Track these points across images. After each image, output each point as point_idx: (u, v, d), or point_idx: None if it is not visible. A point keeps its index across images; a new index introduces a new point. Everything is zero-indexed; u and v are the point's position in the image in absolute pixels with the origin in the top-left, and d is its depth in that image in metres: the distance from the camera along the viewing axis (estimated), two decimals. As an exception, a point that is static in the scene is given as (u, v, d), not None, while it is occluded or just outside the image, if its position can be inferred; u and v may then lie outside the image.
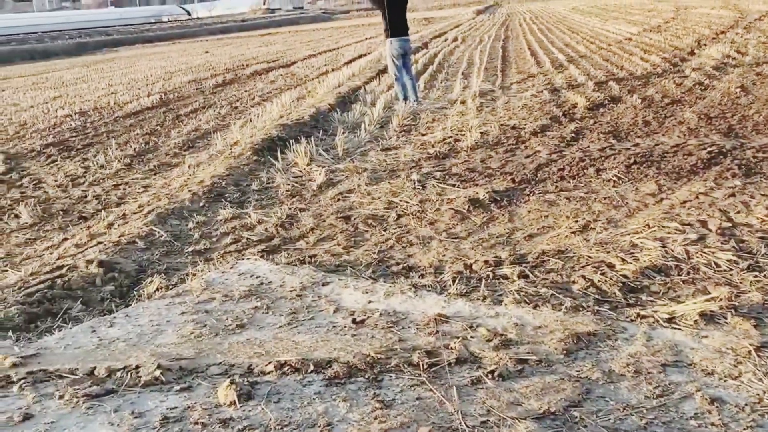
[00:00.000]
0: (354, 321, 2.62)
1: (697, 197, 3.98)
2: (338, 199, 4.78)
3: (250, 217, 4.47)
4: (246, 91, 12.27)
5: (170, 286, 3.32)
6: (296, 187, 5.21)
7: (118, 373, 2.22)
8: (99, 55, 35.99)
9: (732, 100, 6.79)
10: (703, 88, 7.66)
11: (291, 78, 14.04)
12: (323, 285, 3.08)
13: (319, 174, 5.42)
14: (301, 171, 5.66)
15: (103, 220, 4.69)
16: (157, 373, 2.15)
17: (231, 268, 3.42)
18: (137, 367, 2.22)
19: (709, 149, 4.96)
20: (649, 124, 6.13)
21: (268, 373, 2.17)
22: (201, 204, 4.82)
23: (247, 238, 4.09)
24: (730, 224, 3.49)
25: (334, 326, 2.61)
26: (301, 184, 5.29)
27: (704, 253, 3.12)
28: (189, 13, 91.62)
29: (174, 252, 3.98)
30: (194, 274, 3.46)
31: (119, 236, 4.13)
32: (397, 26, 8.23)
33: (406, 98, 8.55)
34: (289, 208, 4.65)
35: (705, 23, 16.60)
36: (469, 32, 24.10)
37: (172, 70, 19.15)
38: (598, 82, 8.83)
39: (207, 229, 4.33)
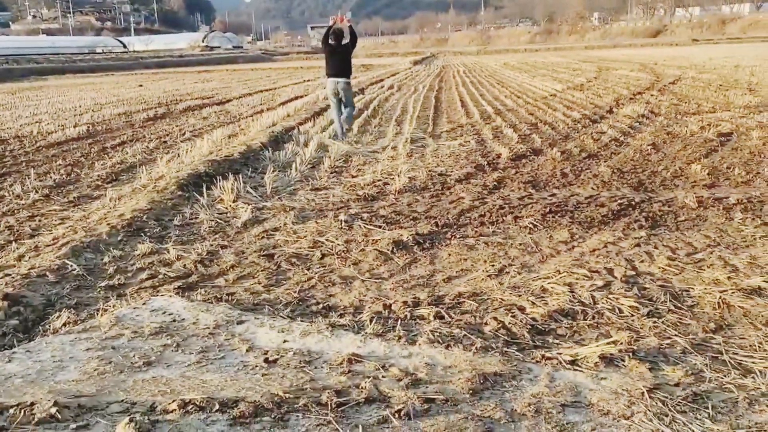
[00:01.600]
0: (266, 360, 2.60)
1: (605, 246, 4.19)
2: (263, 237, 4.76)
3: (168, 252, 4.37)
4: (177, 127, 12.12)
5: (78, 321, 3.20)
6: (220, 224, 5.15)
7: (11, 410, 2.11)
8: (26, 83, 34.79)
9: (644, 156, 7.24)
10: (618, 144, 8.14)
11: (225, 115, 13.98)
12: (238, 323, 3.04)
13: (245, 211, 5.39)
14: (226, 208, 5.61)
15: (14, 251, 4.48)
16: (53, 410, 2.06)
17: (144, 304, 3.33)
18: (32, 404, 2.12)
19: (619, 201, 5.26)
20: (566, 176, 6.45)
21: (171, 411, 2.12)
22: (119, 238, 4.69)
23: (164, 274, 4.00)
24: (634, 272, 3.69)
25: (245, 365, 2.58)
26: (226, 221, 5.24)
27: (609, 299, 3.28)
28: (125, 46, 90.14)
29: (86, 286, 3.84)
30: (105, 310, 3.34)
31: (29, 269, 3.95)
32: (333, 69, 9.33)
33: (336, 136, 9.53)
34: (211, 245, 4.59)
35: (624, 84, 17.72)
36: (405, 81, 24.76)
37: (103, 101, 18.72)
38: (522, 135, 9.23)
39: (123, 263, 4.21)
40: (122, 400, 2.21)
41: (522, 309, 3.24)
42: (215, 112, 14.91)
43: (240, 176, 6.58)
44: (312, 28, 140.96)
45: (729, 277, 3.49)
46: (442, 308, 3.28)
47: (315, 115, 12.58)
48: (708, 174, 6.12)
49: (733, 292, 3.29)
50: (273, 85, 24.84)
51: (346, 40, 9.45)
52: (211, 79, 32.74)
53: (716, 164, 6.58)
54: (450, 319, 3.15)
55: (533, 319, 3.10)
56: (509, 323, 3.05)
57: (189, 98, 19.28)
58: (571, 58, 42.02)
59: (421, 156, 8.01)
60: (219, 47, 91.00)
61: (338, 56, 9.32)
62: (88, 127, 11.96)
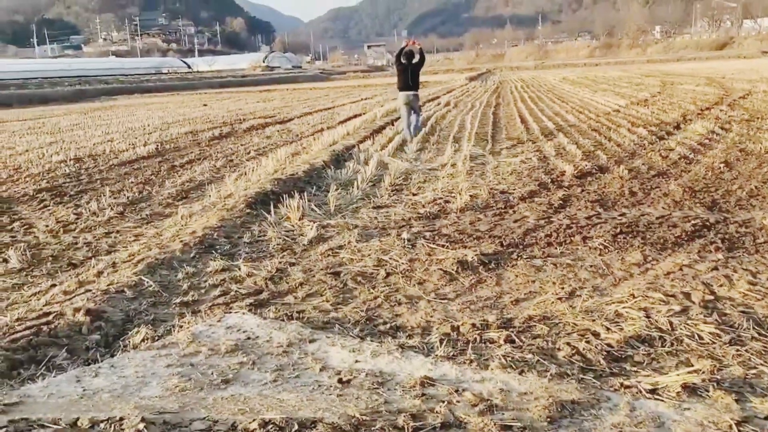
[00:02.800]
0: (340, 380, 2.62)
1: (681, 269, 4.05)
2: (328, 255, 4.82)
3: (239, 269, 4.48)
4: (242, 145, 12.45)
5: (156, 338, 3.31)
6: (287, 241, 5.25)
7: (102, 425, 2.20)
8: (97, 102, 36.52)
9: (716, 174, 6.98)
10: (688, 161, 7.88)
11: (287, 134, 14.28)
12: (310, 342, 3.09)
13: (311, 229, 5.47)
14: (292, 225, 5.72)
15: (93, 267, 4.69)
16: (141, 426, 2.14)
17: (218, 321, 3.42)
18: (121, 419, 2.21)
19: (693, 222, 5.08)
20: (635, 195, 6.28)
21: (252, 430, 2.16)
22: (192, 255, 4.84)
23: (236, 291, 4.10)
24: (712, 297, 3.55)
25: (319, 385, 2.61)
26: (293, 239, 5.33)
27: (687, 325, 3.17)
28: (189, 66, 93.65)
29: (162, 303, 3.97)
30: (181, 326, 3.45)
31: (108, 284, 4.12)
32: (405, 83, 11.12)
33: (405, 137, 11.29)
34: (279, 262, 4.68)
35: (691, 99, 17.17)
36: (462, 98, 24.75)
37: (170, 120, 19.44)
38: (586, 152, 9.06)
39: (196, 280, 4.34)
40: (204, 418, 2.27)
41: (596, 334, 3.16)
42: (278, 131, 15.25)
43: (304, 194, 6.70)
44: (368, 47, 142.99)
45: (818, 305, 3.31)
46: (512, 331, 3.24)
47: (374, 133, 12.71)
48: (787, 194, 5.85)
49: (823, 320, 3.12)
50: (332, 104, 25.25)
51: (416, 60, 11.16)
52: (272, 99, 33.58)
53: (797, 183, 6.28)
54: (521, 344, 3.11)
55: (608, 345, 3.02)
56: (583, 349, 2.98)
57: (252, 117, 19.80)
58: (632, 72, 41.11)
59: (481, 173, 7.96)
60: (279, 67, 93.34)
61: (409, 73, 11.03)
62: (157, 145, 12.43)
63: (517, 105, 19.62)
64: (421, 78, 12.37)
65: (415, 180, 7.81)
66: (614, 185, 6.74)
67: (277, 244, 5.15)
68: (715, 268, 4.01)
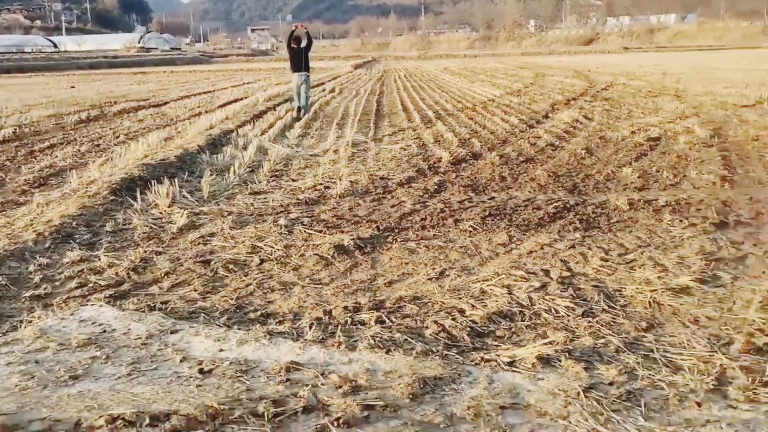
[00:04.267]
0: (201, 371, 2.51)
1: (542, 248, 4.28)
2: (199, 243, 4.63)
3: (99, 260, 4.20)
4: (111, 129, 11.70)
5: (-1, 335, 3.02)
6: (154, 230, 4.99)
7: None
8: (-55, 81, 32.89)
9: (578, 160, 7.44)
10: (553, 148, 8.35)
11: (161, 118, 13.59)
12: (172, 333, 2.94)
13: (181, 216, 5.23)
14: (161, 213, 5.44)
15: (-73, 261, 4.20)
16: (-34, 432, 1.93)
17: (71, 314, 3.17)
18: (-57, 426, 1.98)
19: (555, 204, 5.38)
20: (504, 180, 6.56)
21: (99, 428, 2.02)
22: (46, 245, 4.47)
23: (95, 283, 3.83)
24: (569, 273, 3.78)
25: (178, 376, 2.49)
26: (161, 227, 5.07)
27: (545, 300, 3.34)
28: (56, 46, 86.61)
29: (9, 297, 3.63)
30: (29, 321, 3.17)
31: (-57, 280, 3.71)
32: (297, 65, 12.31)
33: (299, 110, 12.57)
34: (144, 251, 4.43)
35: (559, 90, 18.21)
36: (347, 84, 24.76)
37: (32, 102, 17.89)
38: (462, 139, 9.34)
39: (50, 272, 4.01)
40: (45, 418, 2.09)
41: (462, 311, 3.26)
42: (151, 114, 14.48)
43: (176, 180, 6.39)
44: (252, 30, 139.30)
45: (659, 277, 3.62)
46: (383, 312, 3.27)
47: (255, 117, 12.40)
48: (638, 177, 6.35)
49: (663, 292, 3.41)
50: (212, 88, 24.35)
51: (303, 44, 12.34)
52: (148, 81, 31.83)
53: (646, 168, 6.83)
54: (391, 324, 3.14)
55: (473, 321, 3.12)
56: (449, 326, 3.06)
57: (124, 100, 18.66)
58: (508, 64, 42.98)
59: (362, 160, 7.99)
60: (156, 48, 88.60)
61: (300, 56, 12.24)
62: (15, 129, 11.38)
63: (400, 93, 19.90)
64: (310, 51, 12.88)
65: (296, 166, 7.70)
66: (486, 171, 7.01)
67: (143, 233, 4.88)
68: (573, 246, 4.27)
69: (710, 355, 2.70)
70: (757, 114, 10.83)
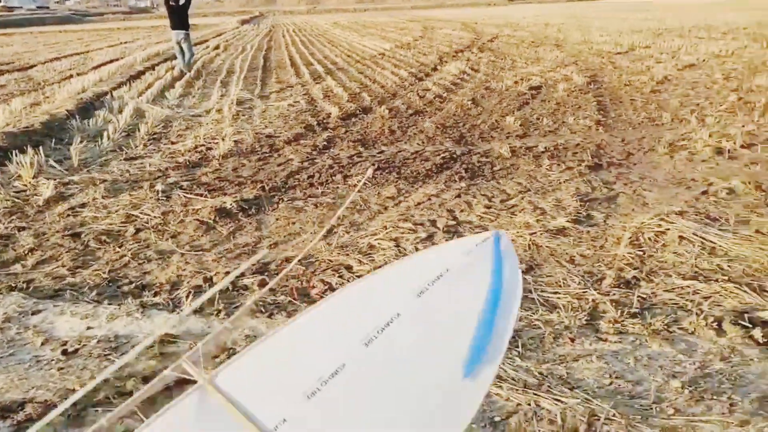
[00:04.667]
0: (64, 352, 2.32)
1: (429, 198, 4.30)
2: (68, 215, 4.27)
3: (-49, 241, 3.78)
4: (-34, 96, 10.54)
5: None
6: (17, 204, 4.56)
7: None
8: None
9: (465, 111, 7.54)
10: (441, 100, 8.41)
11: (27, 83, 12.42)
12: (33, 314, 2.69)
13: (47, 188, 4.81)
14: (25, 185, 4.98)
15: None
16: None
17: None
18: None
19: (442, 155, 5.42)
20: (393, 133, 6.53)
21: (-63, 427, 1.80)
22: None
23: (-56, 267, 3.44)
24: (455, 222, 3.82)
25: (38, 361, 2.28)
26: (24, 200, 4.64)
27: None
28: None
29: None
30: None
31: None
32: (175, 23, 11.87)
33: (180, 71, 12.21)
34: (6, 227, 4.04)
35: (447, 43, 18.38)
36: (232, 41, 23.73)
37: None
38: (352, 94, 9.21)
39: None
40: None
41: (349, 268, 3.21)
42: (15, 79, 13.20)
43: (41, 149, 5.85)
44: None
45: (538, 220, 3.73)
46: (267, 275, 3.16)
47: (131, 78, 11.61)
48: (521, 125, 6.52)
49: (541, 234, 3.52)
50: (86, 49, 22.57)
51: (182, 1, 11.74)
52: (12, 44, 28.98)
53: (527, 116, 7.03)
54: (275, 287, 3.04)
55: (359, 277, 3.08)
56: (336, 284, 3.01)
57: (-18, 64, 16.89)
58: (398, 18, 42.84)
59: (248, 118, 7.69)
60: (20, 7, 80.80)
61: (177, 13, 11.76)
62: None
63: (289, 49, 19.33)
64: (191, 21, 12.57)
65: (176, 128, 7.29)
66: (376, 125, 6.94)
67: (4, 208, 4.45)
68: (458, 196, 4.32)
69: (583, 292, 2.82)
70: (629, 60, 11.42)
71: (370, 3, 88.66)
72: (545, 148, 5.51)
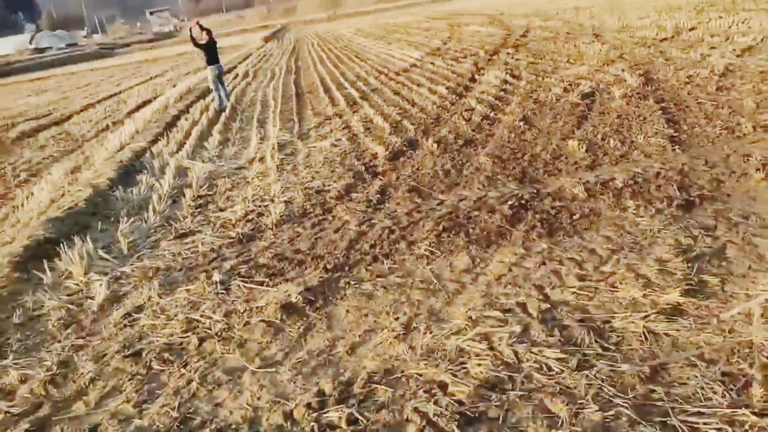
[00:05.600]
0: None
1: (510, 270, 3.89)
2: (125, 325, 4.02)
3: (8, 374, 3.55)
4: (10, 164, 10.59)
5: None
6: (72, 311, 4.33)
7: None
8: None
9: (518, 135, 7.07)
10: (490, 122, 7.95)
11: (65, 140, 12.47)
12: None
13: (101, 285, 4.59)
14: (77, 284, 4.76)
15: None
16: None
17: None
18: None
19: (509, 202, 4.98)
20: (448, 174, 6.12)
21: None
22: (-61, 364, 3.77)
23: (5, 413, 3.20)
24: (548, 305, 3.40)
25: None
26: (79, 305, 4.42)
27: (533, 352, 2.95)
28: (-66, 59, 79.65)
29: None
30: None
31: None
32: (212, 58, 12.40)
33: (222, 107, 12.61)
34: (63, 348, 3.80)
35: (479, 43, 17.83)
36: (260, 65, 23.66)
37: None
38: (393, 123, 8.83)
39: (-53, 406, 3.35)
40: None
41: (443, 386, 2.84)
42: (54, 136, 13.28)
43: (88, 236, 5.66)
44: (151, 13, 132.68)
45: (645, 295, 3.29)
46: (353, 404, 2.81)
47: (168, 126, 11.48)
48: (586, 151, 6.03)
49: (655, 316, 3.07)
50: (117, 89, 22.79)
51: (205, 39, 12.25)
52: (47, 89, 29.64)
53: (590, 136, 6.52)
54: (365, 420, 2.69)
55: (459, 402, 2.70)
56: (434, 414, 2.64)
57: (22, 119, 17.17)
58: (420, 15, 42.30)
59: (293, 168, 7.38)
60: (50, 48, 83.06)
61: (212, 49, 12.34)
62: None
63: (317, 68, 19.09)
64: (218, 43, 12.91)
65: (222, 187, 7.03)
66: (427, 164, 6.55)
67: (59, 319, 4.22)
68: (543, 263, 3.89)
69: (732, 413, 2.37)
70: (680, 49, 10.72)
71: (390, 1, 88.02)
72: (623, 182, 5.01)
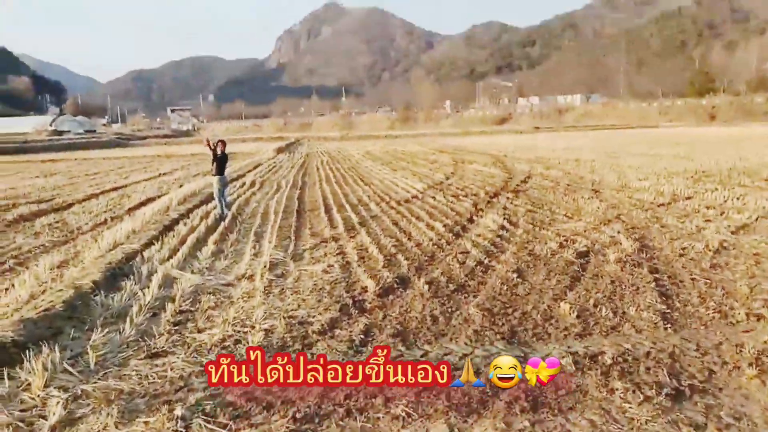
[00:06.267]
0: None
1: (489, 448, 3.67)
2: (72, 458, 3.73)
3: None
4: (0, 249, 10.46)
5: None
6: (20, 430, 4.04)
7: None
8: None
9: (510, 288, 7.02)
10: (483, 269, 7.93)
11: (61, 229, 12.44)
12: None
13: (57, 404, 4.33)
14: (34, 398, 4.50)
15: None
16: None
17: None
18: None
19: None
20: (436, 321, 6.00)
21: None
22: None
23: None
24: (524, 497, 3.16)
25: None
26: (30, 424, 4.14)
27: None
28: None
29: None
30: None
31: None
32: (218, 170, 13.00)
33: (222, 216, 12.85)
34: (-1, 478, 3.50)
35: (480, 182, 18.34)
36: (268, 175, 24.18)
37: None
38: (387, 255, 8.83)
39: None
40: None
41: None
42: (50, 224, 13.26)
43: (59, 341, 5.45)
44: (172, 110, 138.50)
45: (628, 500, 3.06)
46: None
47: (165, 229, 11.49)
48: (577, 317, 5.94)
49: None
50: (124, 181, 23.19)
51: (219, 153, 12.95)
52: (56, 171, 30.20)
53: (582, 301, 6.46)
54: None
55: None
56: None
57: (23, 201, 17.29)
58: (428, 146, 43.97)
59: (280, 292, 7.27)
60: (69, 132, 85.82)
61: (221, 161, 13.01)
62: None
63: (323, 186, 19.51)
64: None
65: (205, 304, 6.88)
66: (416, 307, 6.44)
67: (4, 438, 3.94)
68: (524, 444, 3.68)
69: None
70: (676, 217, 10.96)
71: (401, 129, 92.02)
72: (612, 357, 4.88)
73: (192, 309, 6.73)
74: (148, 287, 7.30)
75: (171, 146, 63.66)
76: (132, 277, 7.89)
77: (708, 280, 6.99)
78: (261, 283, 7.62)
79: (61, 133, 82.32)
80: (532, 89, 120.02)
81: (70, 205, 16.54)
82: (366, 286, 7.26)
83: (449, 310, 6.36)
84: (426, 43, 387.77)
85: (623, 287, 6.88)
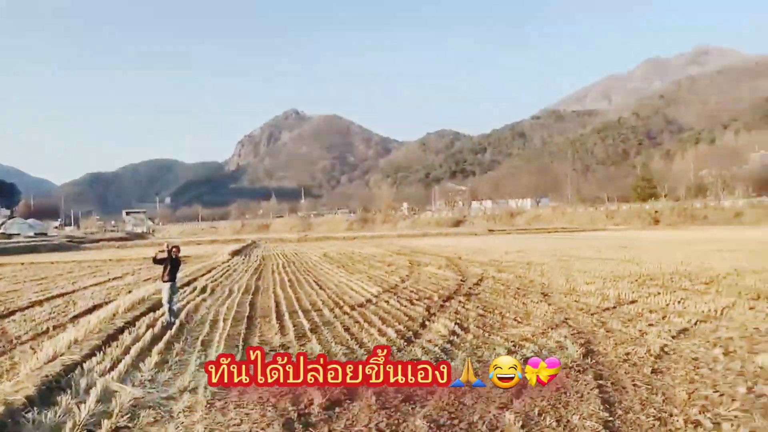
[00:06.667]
0: None
1: None
2: None
3: None
4: (-75, 366, 9.92)
5: None
6: None
7: None
8: None
9: (458, 398, 6.95)
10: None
11: (-2, 340, 11.91)
12: None
13: None
14: None
15: None
16: None
17: None
18: None
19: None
20: (382, 436, 5.91)
21: None
22: None
23: None
24: None
25: None
26: None
27: None
28: None
29: None
30: None
31: None
32: (169, 276, 12.67)
33: (170, 323, 12.51)
34: None
35: (434, 285, 18.53)
36: (221, 280, 23.87)
37: None
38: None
39: None
40: None
41: None
42: (-13, 334, 12.71)
43: (-20, 467, 5.14)
44: (127, 213, 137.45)
45: None
46: None
47: (109, 339, 11.13)
48: (522, 426, 5.95)
49: None
50: (72, 287, 22.56)
51: (164, 254, 12.75)
52: (1, 276, 29.15)
53: (527, 409, 6.49)
54: None
55: None
56: None
57: (-38, 310, 16.55)
58: (385, 248, 44.44)
59: (223, 405, 7.06)
60: (19, 234, 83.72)
61: (174, 266, 12.73)
62: None
63: (276, 291, 19.35)
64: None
65: (144, 420, 6.63)
66: (362, 420, 6.35)
67: None
68: None
69: None
70: (620, 321, 11.25)
71: (359, 231, 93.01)
72: (554, 472, 4.88)
73: (129, 426, 6.48)
74: (85, 402, 7.01)
75: (124, 249, 62.62)
76: (69, 391, 7.57)
77: (649, 386, 7.14)
78: (204, 396, 7.41)
79: (10, 236, 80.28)
80: (484, 193, 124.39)
81: (12, 313, 15.96)
82: (312, 399, 7.13)
83: (396, 422, 6.29)
84: (383, 149, 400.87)
85: (568, 394, 6.95)
